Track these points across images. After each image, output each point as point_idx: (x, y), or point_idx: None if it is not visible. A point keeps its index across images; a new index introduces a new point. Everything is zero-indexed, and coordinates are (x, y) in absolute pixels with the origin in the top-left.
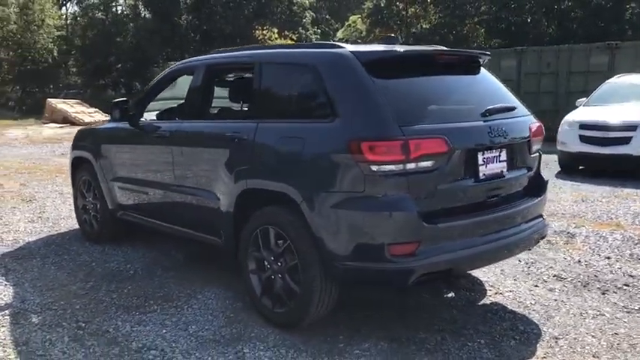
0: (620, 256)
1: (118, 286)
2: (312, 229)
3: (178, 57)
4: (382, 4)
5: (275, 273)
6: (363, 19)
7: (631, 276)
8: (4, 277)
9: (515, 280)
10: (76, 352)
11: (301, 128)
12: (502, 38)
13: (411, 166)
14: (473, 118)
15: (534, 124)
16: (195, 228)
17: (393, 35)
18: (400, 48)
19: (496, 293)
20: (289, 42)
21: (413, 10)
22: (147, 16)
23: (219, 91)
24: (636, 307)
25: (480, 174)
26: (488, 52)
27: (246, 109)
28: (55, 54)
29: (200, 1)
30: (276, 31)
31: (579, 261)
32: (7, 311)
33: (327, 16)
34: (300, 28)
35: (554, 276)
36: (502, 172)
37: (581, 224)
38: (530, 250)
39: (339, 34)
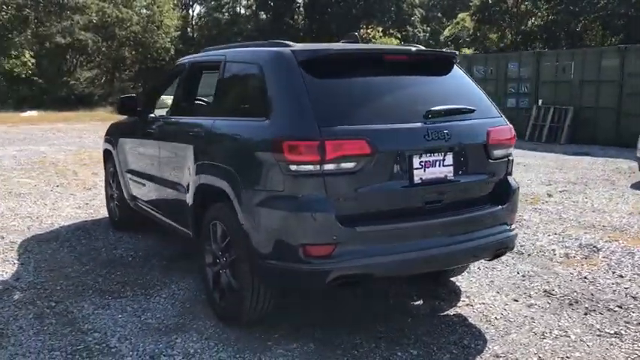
0: (637, 275)
1: (109, 272)
2: (243, 227)
3: None
4: (490, 1)
5: (222, 267)
6: (471, 16)
7: (633, 297)
8: (17, 257)
9: (498, 292)
10: (32, 328)
11: (240, 126)
12: (620, 35)
13: (329, 167)
14: (411, 120)
15: (496, 128)
16: (175, 220)
17: (354, 34)
18: (344, 46)
19: (467, 305)
20: (393, 40)
21: (524, 6)
22: (264, 16)
23: (195, 89)
24: (611, 332)
25: (415, 178)
26: (455, 52)
27: (210, 106)
28: (172, 53)
29: (312, 2)
30: (380, 29)
31: (585, 277)
32: None
33: (439, 14)
34: (408, 26)
35: (545, 291)
36: (446, 176)
37: (615, 238)
38: (489, 260)
39: (446, 32)
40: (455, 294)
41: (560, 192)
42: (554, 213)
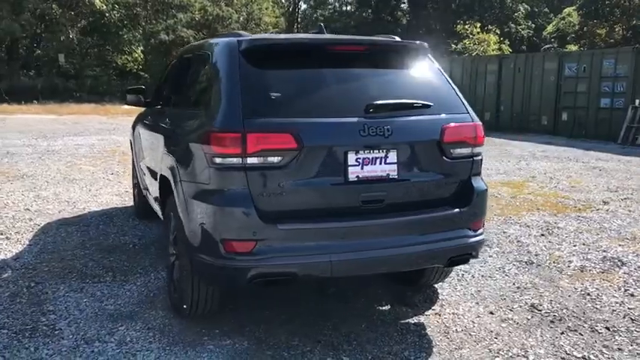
0: None
1: (104, 257)
2: (181, 219)
3: None
4: None
5: (175, 259)
6: (578, 10)
7: (632, 319)
8: (31, 238)
9: (477, 303)
10: (1, 305)
11: (186, 116)
12: None
13: (251, 160)
14: (349, 115)
15: (454, 125)
16: (159, 210)
17: (320, 24)
18: (289, 37)
19: (436, 314)
20: (491, 37)
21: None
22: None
23: (179, 79)
24: (579, 356)
25: (351, 175)
26: (424, 43)
27: (178, 97)
28: None
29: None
30: (478, 25)
31: (588, 293)
32: None
33: (546, 9)
34: (511, 22)
35: (531, 306)
36: (389, 175)
37: None
38: (445, 267)
39: (549, 28)
40: (429, 301)
41: (622, 200)
42: (596, 222)
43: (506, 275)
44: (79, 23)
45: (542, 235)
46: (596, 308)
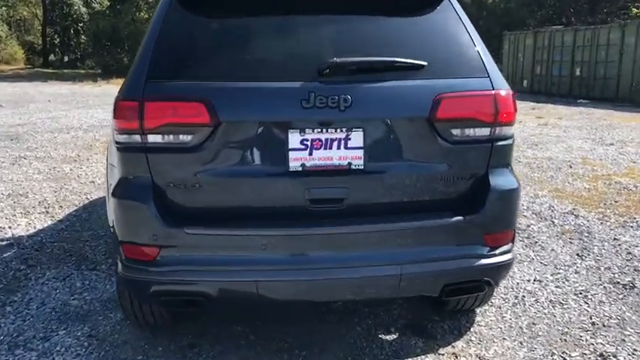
0: None
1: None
2: None
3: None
4: None
5: None
6: None
7: None
8: (62, 214)
9: (522, 343)
10: None
11: None
12: None
13: (153, 139)
14: (294, 77)
15: (457, 94)
16: None
17: None
18: None
19: (453, 354)
20: None
21: None
22: None
23: None
24: None
25: (293, 163)
26: None
27: None
28: None
29: None
30: None
31: None
32: None
33: None
34: None
35: (601, 356)
36: (351, 165)
37: None
38: (443, 299)
39: None
40: (455, 333)
41: None
42: None
43: (586, 303)
44: None
45: None
46: None
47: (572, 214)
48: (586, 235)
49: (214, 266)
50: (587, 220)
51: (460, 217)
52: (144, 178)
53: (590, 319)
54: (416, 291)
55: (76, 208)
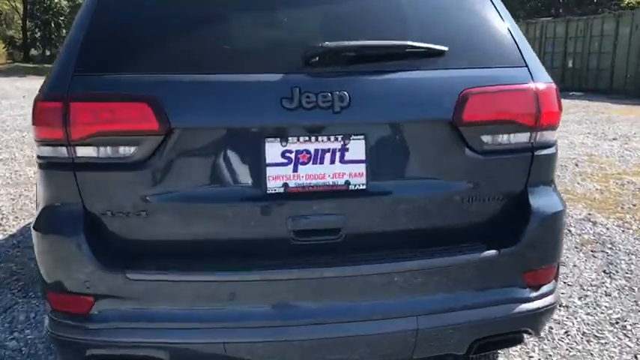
0: None
1: None
2: None
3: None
4: None
5: None
6: None
7: None
8: None
9: None
10: None
11: None
12: None
13: (84, 152)
14: (272, 68)
15: (493, 89)
16: None
17: None
18: None
19: None
20: None
21: None
22: None
23: None
24: None
25: (271, 183)
26: None
27: None
28: None
29: None
30: None
31: None
32: None
33: None
34: None
35: None
36: (349, 184)
37: None
38: (471, 356)
39: None
40: None
41: None
42: None
43: (626, 336)
44: None
45: None
46: None
47: (589, 220)
48: (609, 246)
49: (167, 323)
50: (607, 228)
51: (493, 251)
52: (72, 206)
53: (636, 358)
54: (436, 350)
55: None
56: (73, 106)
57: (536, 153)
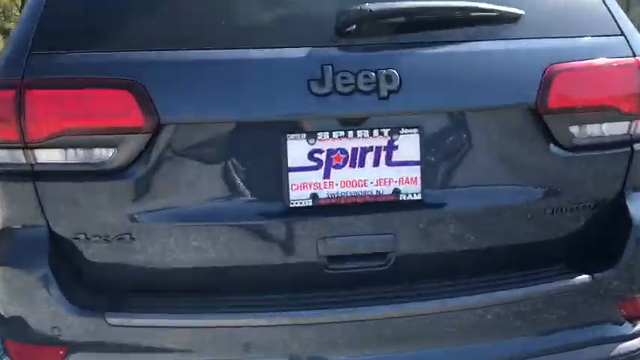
0: None
1: None
2: None
3: None
4: None
5: None
6: None
7: None
8: None
9: None
10: None
11: None
12: None
13: (47, 157)
14: (292, 42)
15: (586, 65)
16: None
17: None
18: None
19: None
20: None
21: None
22: None
23: None
24: None
25: (294, 194)
26: None
27: None
28: None
29: None
30: None
31: None
32: None
33: None
34: None
35: None
36: (398, 193)
37: None
38: None
39: None
40: None
41: None
42: None
43: None
44: None
45: None
46: None
47: None
48: None
49: None
50: None
51: (585, 276)
52: (34, 228)
53: None
54: None
55: None
56: (29, 95)
57: (636, 148)
